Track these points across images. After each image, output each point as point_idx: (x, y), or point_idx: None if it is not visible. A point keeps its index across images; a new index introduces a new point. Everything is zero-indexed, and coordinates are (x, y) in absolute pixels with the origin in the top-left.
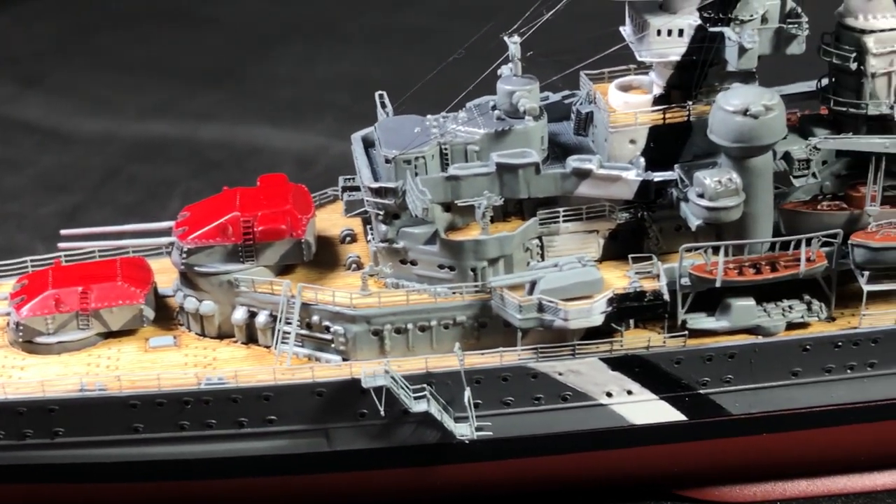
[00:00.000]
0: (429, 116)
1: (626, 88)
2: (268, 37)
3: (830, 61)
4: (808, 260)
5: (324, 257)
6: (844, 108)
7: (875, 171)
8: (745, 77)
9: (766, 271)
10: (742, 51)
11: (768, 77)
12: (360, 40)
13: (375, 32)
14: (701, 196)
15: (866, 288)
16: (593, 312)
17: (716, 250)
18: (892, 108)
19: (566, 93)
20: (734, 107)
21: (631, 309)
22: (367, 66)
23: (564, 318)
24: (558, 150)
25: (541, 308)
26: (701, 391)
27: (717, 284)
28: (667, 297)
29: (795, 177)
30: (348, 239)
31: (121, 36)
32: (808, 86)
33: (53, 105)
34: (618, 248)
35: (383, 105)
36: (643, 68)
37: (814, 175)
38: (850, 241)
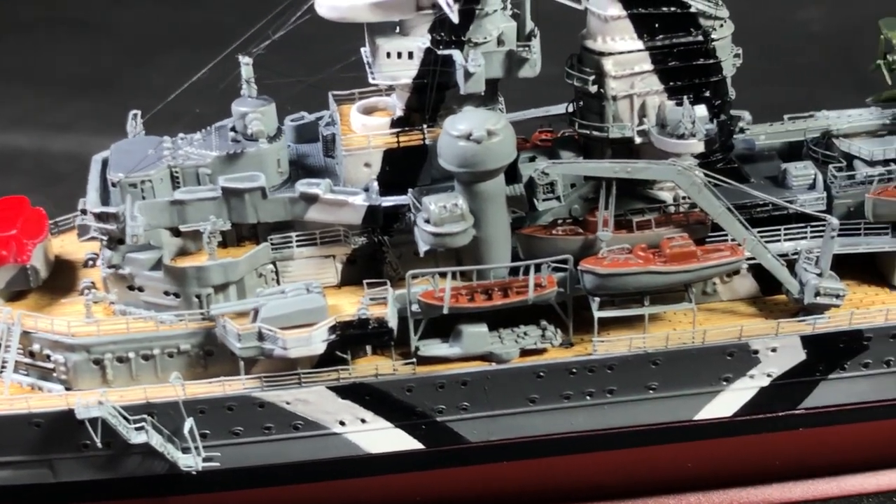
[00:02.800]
0: (166, 138)
1: (370, 110)
2: (154, 45)
3: (573, 84)
4: (539, 286)
5: (63, 282)
6: (588, 132)
7: (606, 196)
8: (485, 100)
9: (497, 297)
10: (467, 74)
11: None
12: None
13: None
14: (427, 221)
15: (597, 314)
16: (313, 341)
17: (443, 276)
18: (633, 131)
19: (321, 113)
20: (458, 131)
21: (355, 336)
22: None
23: (283, 346)
24: (303, 173)
25: (261, 336)
26: (437, 419)
27: (445, 311)
28: (392, 323)
29: (541, 200)
30: (91, 263)
31: (2, 44)
32: None
33: None
34: (357, 274)
35: (135, 125)
36: (391, 90)
37: (558, 199)
38: (579, 267)
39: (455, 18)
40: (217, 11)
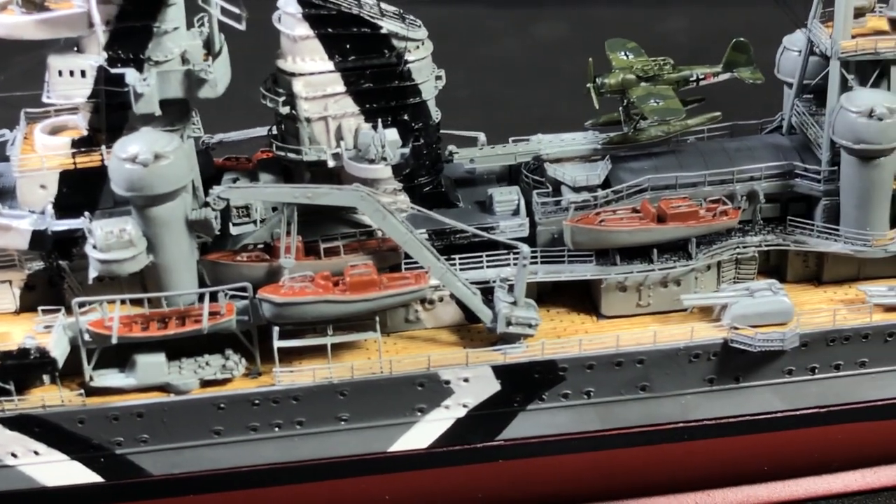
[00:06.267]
0: None
1: (58, 130)
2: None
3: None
4: (217, 314)
5: None
6: (285, 154)
7: (287, 222)
8: (172, 120)
9: (172, 326)
10: (136, 95)
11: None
12: None
13: None
14: (95, 247)
15: (277, 344)
16: None
17: (113, 303)
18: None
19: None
20: (126, 154)
21: (13, 367)
22: None
23: None
24: None
25: None
26: (117, 451)
27: (114, 341)
28: (55, 353)
29: (235, 224)
30: None
31: None
32: None
33: None
34: (37, 300)
35: None
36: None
37: (255, 223)
38: (257, 296)
39: (102, 39)
40: None
